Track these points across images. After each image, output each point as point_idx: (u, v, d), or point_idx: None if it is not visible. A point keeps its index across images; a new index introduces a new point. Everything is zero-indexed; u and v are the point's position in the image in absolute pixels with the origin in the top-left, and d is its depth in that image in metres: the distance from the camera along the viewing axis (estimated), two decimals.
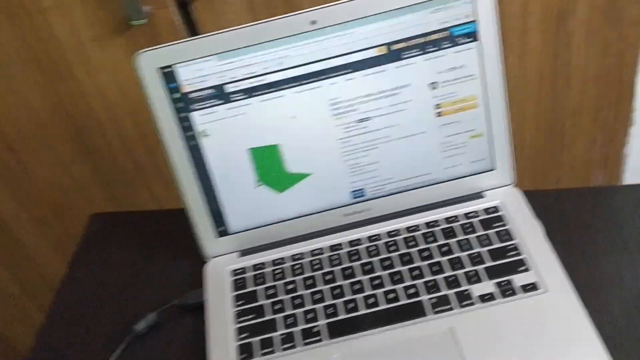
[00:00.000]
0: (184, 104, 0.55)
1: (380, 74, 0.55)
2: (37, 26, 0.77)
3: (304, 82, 0.55)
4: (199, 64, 0.54)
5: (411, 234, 0.59)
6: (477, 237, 0.57)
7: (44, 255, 1.03)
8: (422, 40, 0.54)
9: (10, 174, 0.92)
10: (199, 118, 0.56)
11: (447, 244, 0.57)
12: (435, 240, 0.58)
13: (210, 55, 0.54)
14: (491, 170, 0.60)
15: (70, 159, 0.92)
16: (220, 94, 0.55)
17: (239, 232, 0.61)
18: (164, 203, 0.97)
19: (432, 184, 0.60)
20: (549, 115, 0.93)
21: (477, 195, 0.60)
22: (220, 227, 0.61)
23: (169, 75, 0.54)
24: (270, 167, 0.58)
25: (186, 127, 0.56)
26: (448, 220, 0.59)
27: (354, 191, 0.60)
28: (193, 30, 0.80)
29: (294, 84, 0.55)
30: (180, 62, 0.54)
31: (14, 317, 1.11)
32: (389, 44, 0.54)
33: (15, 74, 0.82)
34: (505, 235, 0.56)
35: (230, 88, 0.55)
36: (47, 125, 0.87)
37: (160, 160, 0.91)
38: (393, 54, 0.55)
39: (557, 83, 0.89)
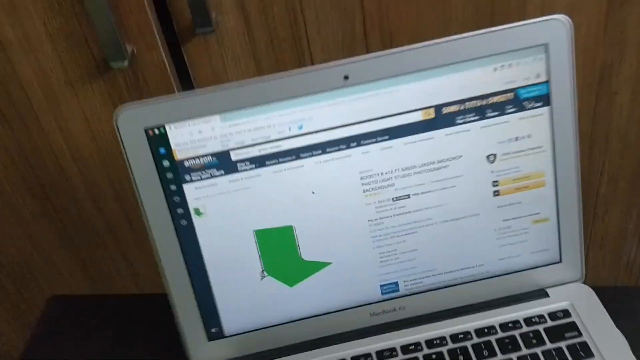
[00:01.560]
0: (175, 174, 0.43)
1: (425, 142, 0.44)
2: None
3: (329, 150, 0.43)
4: (198, 125, 0.42)
5: (458, 344, 0.46)
6: (545, 352, 0.45)
7: None
8: (480, 103, 0.43)
9: None
10: (193, 192, 0.44)
11: None
12: (490, 355, 0.45)
13: (211, 115, 0.42)
14: (557, 262, 0.48)
15: (33, 219, 0.78)
16: (221, 163, 0.43)
17: (236, 334, 0.48)
18: (142, 274, 0.83)
19: (484, 278, 0.48)
20: (582, 180, 0.83)
21: (539, 294, 0.48)
22: (213, 327, 0.47)
23: (158, 138, 0.42)
24: (280, 254, 0.46)
25: (176, 203, 0.44)
26: (505, 326, 0.47)
27: (384, 285, 0.48)
28: (185, 75, 0.68)
29: (317, 152, 0.43)
30: (174, 122, 0.42)
31: None
32: (438, 107, 0.43)
33: None
34: (583, 350, 0.44)
35: (235, 155, 0.43)
36: (6, 181, 0.74)
37: (139, 225, 0.78)
38: (443, 118, 0.43)
39: (594, 146, 0.79)
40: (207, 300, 0.47)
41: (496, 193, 0.46)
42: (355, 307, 0.48)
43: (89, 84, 0.68)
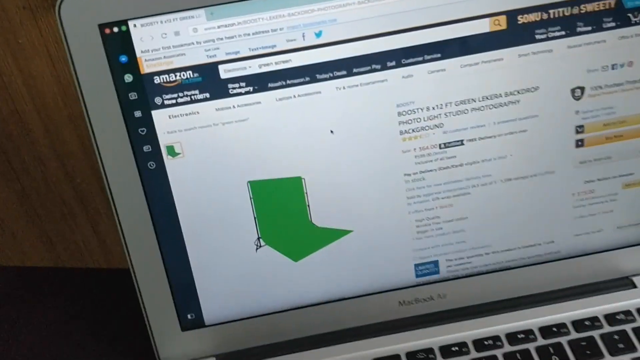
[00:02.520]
0: (140, 94, 0.31)
1: (490, 65, 0.32)
2: None
3: (357, 70, 0.32)
4: (174, 22, 0.30)
5: (517, 347, 0.34)
6: None
7: None
8: (569, 11, 0.31)
9: None
10: (165, 122, 0.32)
11: None
12: None
13: (193, 8, 0.30)
14: None
15: None
16: (206, 82, 0.31)
17: (220, 323, 0.36)
18: (116, 251, 0.72)
19: (552, 260, 0.36)
20: None
21: (624, 283, 0.37)
22: (188, 313, 0.36)
23: (117, 40, 0.30)
24: (283, 216, 0.34)
25: (141, 137, 0.32)
26: (580, 324, 0.35)
27: (420, 265, 0.36)
28: None
29: (339, 73, 0.32)
30: (140, 17, 0.30)
31: None
32: (511, 14, 0.31)
33: None
34: None
35: (225, 72, 0.31)
36: None
37: None
38: (517, 31, 0.32)
39: None
40: (181, 275, 0.35)
41: (579, 143, 0.34)
42: (380, 292, 0.36)
43: (52, 8, 0.56)
